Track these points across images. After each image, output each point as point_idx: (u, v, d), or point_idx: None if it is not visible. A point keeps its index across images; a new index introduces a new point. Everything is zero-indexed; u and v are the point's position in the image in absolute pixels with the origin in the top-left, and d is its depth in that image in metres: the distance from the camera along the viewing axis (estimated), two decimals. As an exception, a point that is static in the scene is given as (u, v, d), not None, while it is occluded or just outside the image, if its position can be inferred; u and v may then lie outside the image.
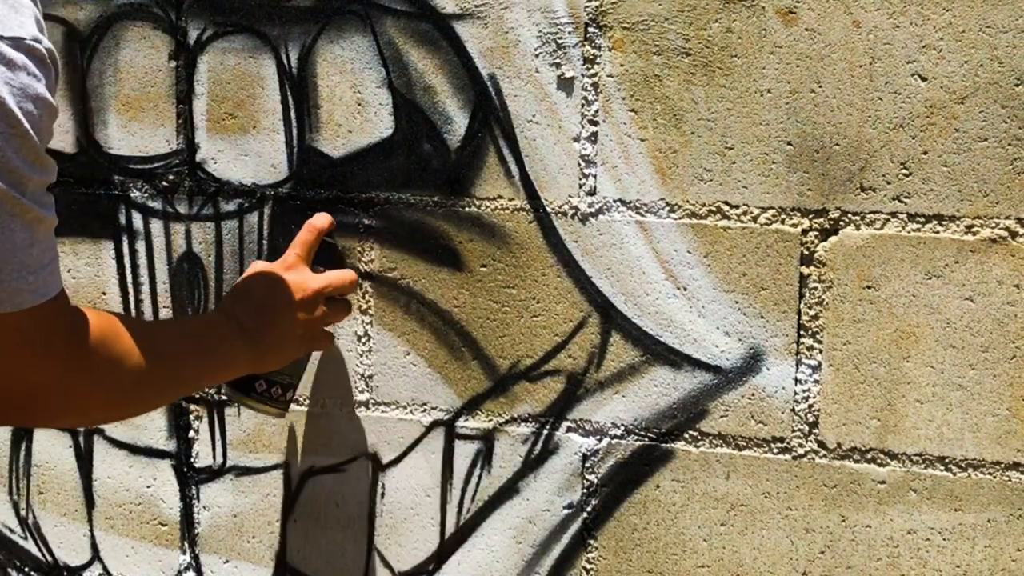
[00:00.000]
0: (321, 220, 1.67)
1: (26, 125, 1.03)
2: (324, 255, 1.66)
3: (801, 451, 1.62)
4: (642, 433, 1.68)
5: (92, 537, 1.95)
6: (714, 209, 1.62)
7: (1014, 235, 1.52)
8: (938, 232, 1.55)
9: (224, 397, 1.86)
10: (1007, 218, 1.52)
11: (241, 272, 1.82)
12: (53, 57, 1.08)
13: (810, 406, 1.61)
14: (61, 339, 1.18)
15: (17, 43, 1.03)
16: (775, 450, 1.63)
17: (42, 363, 1.16)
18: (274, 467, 1.86)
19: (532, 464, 1.73)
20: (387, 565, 1.81)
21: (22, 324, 1.11)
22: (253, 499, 1.87)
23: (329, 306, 1.63)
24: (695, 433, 1.66)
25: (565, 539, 1.73)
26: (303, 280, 1.60)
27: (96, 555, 1.96)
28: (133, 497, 1.93)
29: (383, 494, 1.80)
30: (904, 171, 1.55)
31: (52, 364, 1.17)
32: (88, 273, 1.89)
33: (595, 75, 1.65)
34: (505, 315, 1.72)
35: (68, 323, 1.20)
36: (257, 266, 1.64)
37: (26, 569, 2.00)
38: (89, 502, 1.95)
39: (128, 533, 1.94)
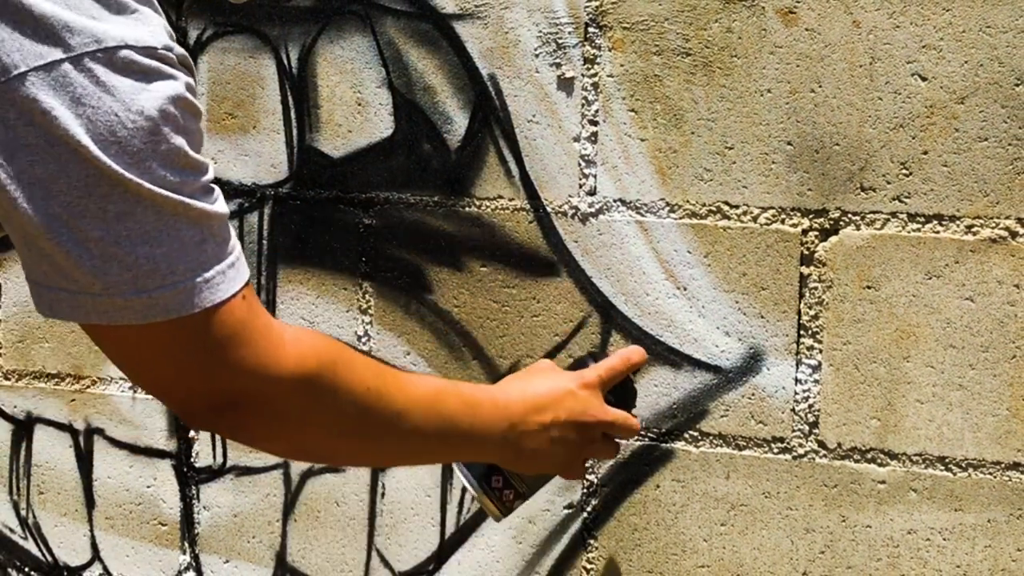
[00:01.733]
0: (637, 356, 1.54)
1: (167, 131, 1.02)
2: (621, 388, 1.53)
3: (801, 451, 1.62)
4: (642, 433, 1.68)
5: (92, 537, 1.96)
6: (714, 209, 1.62)
7: (1014, 235, 1.52)
8: (938, 232, 1.55)
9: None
10: (1007, 218, 1.52)
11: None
12: (187, 61, 1.08)
13: (810, 406, 1.61)
14: (254, 334, 1.11)
15: (151, 52, 1.03)
16: (775, 450, 1.63)
17: (237, 360, 1.10)
18: (274, 467, 1.86)
19: (532, 464, 1.73)
20: (387, 565, 1.81)
21: (214, 322, 1.07)
22: (253, 499, 1.87)
23: (603, 441, 1.51)
24: (695, 433, 1.66)
25: (565, 539, 1.73)
26: (594, 405, 1.48)
27: (96, 555, 1.96)
28: (133, 497, 1.93)
29: (383, 494, 1.80)
30: (904, 171, 1.55)
31: (248, 361, 1.10)
32: (88, 273, 1.89)
33: (595, 75, 1.65)
34: (505, 315, 1.72)
35: (261, 320, 1.12)
36: (550, 366, 1.52)
37: (26, 569, 2.00)
38: (89, 502, 1.95)
39: (128, 533, 1.94)
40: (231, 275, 1.08)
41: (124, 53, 1.01)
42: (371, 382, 1.20)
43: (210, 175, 1.08)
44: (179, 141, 1.04)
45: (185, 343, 1.07)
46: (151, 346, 1.07)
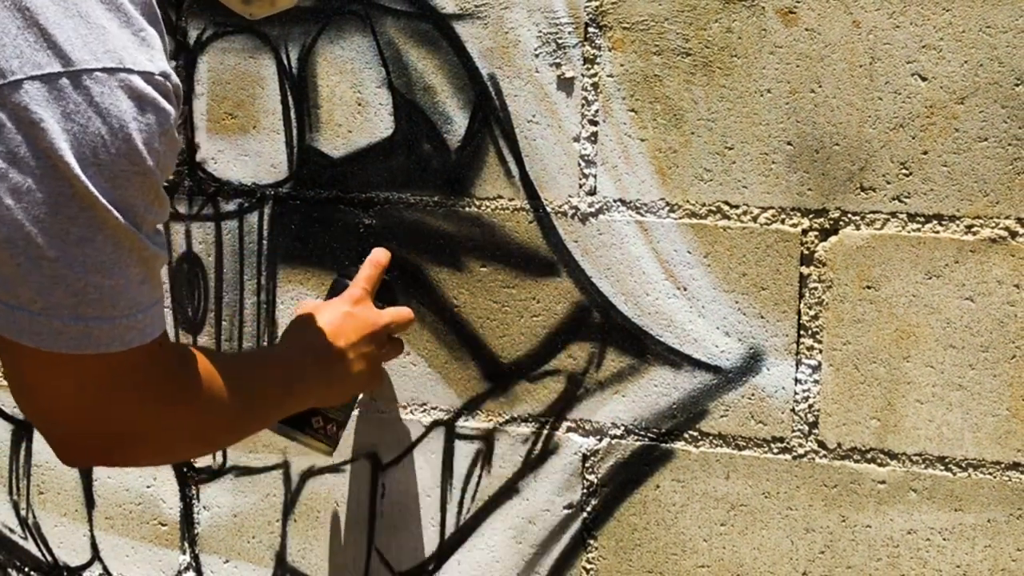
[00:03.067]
0: (383, 256, 1.68)
1: (150, 163, 1.03)
2: (382, 292, 1.67)
3: (801, 451, 1.62)
4: (642, 433, 1.68)
5: (92, 537, 1.95)
6: (714, 209, 1.62)
7: (1014, 235, 1.52)
8: (938, 232, 1.55)
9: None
10: (1007, 218, 1.52)
11: (241, 272, 1.82)
12: (179, 92, 1.09)
13: (810, 406, 1.61)
14: (161, 380, 1.14)
15: (148, 78, 1.03)
16: (775, 450, 1.63)
17: (150, 405, 1.13)
18: (274, 467, 1.86)
19: (532, 464, 1.73)
20: (387, 565, 1.81)
21: (130, 363, 1.08)
22: (253, 499, 1.87)
23: (390, 342, 1.65)
24: (695, 433, 1.66)
25: (565, 539, 1.73)
26: (371, 315, 1.61)
27: (96, 555, 1.96)
28: (133, 497, 1.93)
29: (383, 494, 1.80)
30: (904, 171, 1.55)
31: (151, 406, 1.14)
32: (88, 273, 1.89)
33: (595, 75, 1.65)
34: (505, 315, 1.72)
35: (175, 362, 1.17)
36: (311, 304, 1.63)
37: (26, 569, 2.00)
38: (89, 502, 1.95)
39: (128, 533, 1.94)
40: (157, 319, 1.10)
41: (123, 76, 1.00)
42: (230, 382, 1.26)
43: (165, 216, 1.10)
44: (156, 175, 1.04)
45: (100, 377, 1.08)
46: (68, 376, 1.07)
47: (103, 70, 1.00)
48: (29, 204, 0.99)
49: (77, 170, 0.99)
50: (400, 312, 1.65)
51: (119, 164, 1.01)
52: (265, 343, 1.83)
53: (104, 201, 1.01)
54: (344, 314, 1.57)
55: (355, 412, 1.75)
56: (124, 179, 1.01)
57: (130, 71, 1.01)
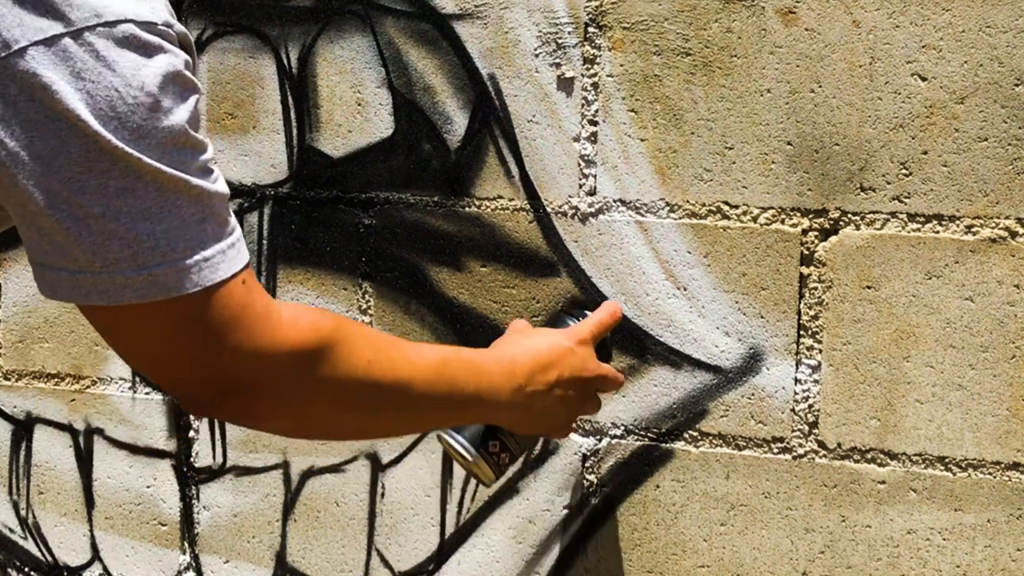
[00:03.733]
0: (620, 308, 1.59)
1: (167, 104, 1.02)
2: (600, 347, 1.55)
3: (801, 451, 1.62)
4: (642, 433, 1.68)
5: (92, 537, 1.96)
6: (714, 209, 1.62)
7: (1014, 235, 1.52)
8: (938, 232, 1.55)
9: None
10: (1007, 218, 1.52)
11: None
12: (186, 39, 1.07)
13: (810, 406, 1.61)
14: (254, 318, 1.08)
15: (150, 27, 1.02)
16: (775, 450, 1.63)
17: (239, 344, 1.08)
18: (274, 467, 1.86)
19: (532, 464, 1.73)
20: (387, 565, 1.82)
21: (214, 304, 1.05)
22: (253, 499, 1.87)
23: (593, 398, 1.53)
24: (695, 433, 1.66)
25: (565, 539, 1.73)
26: (590, 360, 1.50)
27: (96, 555, 1.96)
28: (133, 497, 1.93)
29: (383, 494, 1.80)
30: (904, 171, 1.55)
31: (248, 345, 1.08)
32: (88, 273, 1.89)
33: (595, 75, 1.65)
34: (505, 315, 1.72)
35: (261, 303, 1.10)
36: (528, 326, 1.54)
37: (26, 569, 2.00)
38: (89, 502, 1.95)
39: (128, 533, 1.94)
40: (231, 255, 1.07)
41: (125, 27, 1.00)
42: (372, 355, 1.19)
43: (209, 154, 1.07)
44: (179, 118, 1.03)
45: (185, 324, 1.05)
46: (150, 328, 1.05)
47: (104, 24, 0.99)
48: (61, 167, 0.99)
49: (97, 126, 0.99)
50: (614, 371, 1.53)
51: (138, 113, 1.00)
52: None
53: (133, 151, 1.00)
54: (565, 348, 1.46)
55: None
56: (147, 128, 1.01)
57: (132, 22, 1.01)
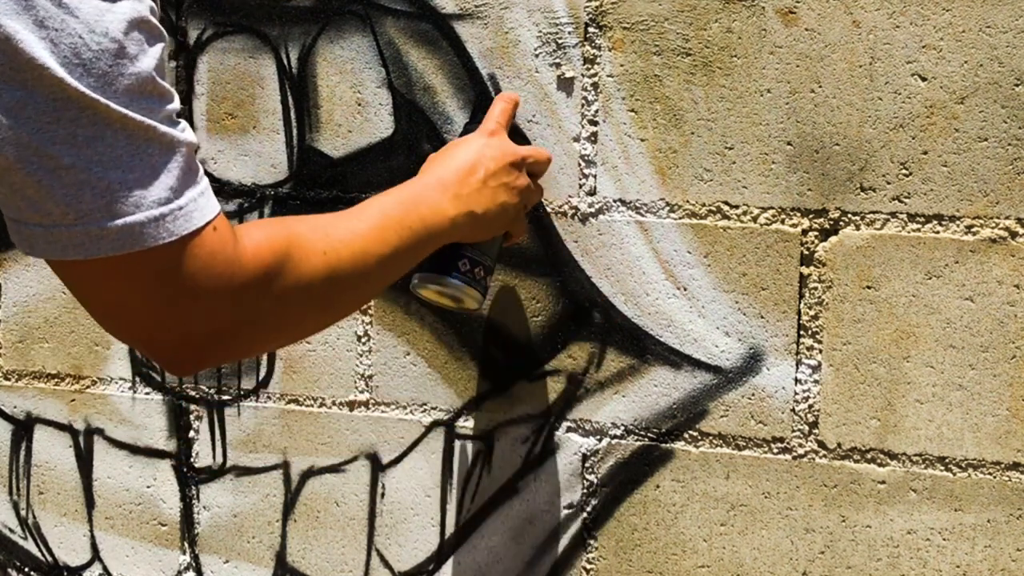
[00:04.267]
0: (512, 94, 1.61)
1: (132, 51, 1.00)
2: (514, 134, 1.57)
3: (801, 451, 1.62)
4: (642, 433, 1.68)
5: (92, 537, 1.95)
6: (714, 209, 1.62)
7: (1014, 235, 1.52)
8: (938, 232, 1.55)
9: (225, 397, 1.86)
10: (1007, 218, 1.52)
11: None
12: None
13: (810, 406, 1.61)
14: (229, 265, 1.08)
15: None
16: (775, 450, 1.63)
17: (216, 295, 1.07)
18: (274, 467, 1.86)
19: (532, 464, 1.73)
20: (387, 565, 1.81)
21: (182, 253, 1.04)
22: (253, 499, 1.87)
23: (529, 185, 1.54)
24: (695, 433, 1.66)
25: (565, 539, 1.73)
26: (507, 144, 1.52)
27: (96, 555, 1.96)
28: (133, 497, 1.93)
29: (383, 494, 1.80)
30: (904, 171, 1.55)
31: (226, 296, 1.08)
32: (88, 273, 1.89)
33: (595, 75, 1.65)
34: (505, 315, 1.72)
35: (231, 248, 1.09)
36: (447, 145, 1.54)
37: (26, 569, 2.00)
38: (89, 502, 1.95)
39: (128, 533, 1.94)
40: (203, 204, 1.06)
41: None
42: (325, 246, 1.19)
43: (175, 105, 1.05)
44: (145, 65, 1.02)
45: (161, 275, 1.04)
46: (126, 281, 1.04)
47: None
48: (29, 118, 0.98)
49: (63, 73, 0.97)
50: (538, 148, 1.56)
51: (103, 60, 0.99)
52: (265, 343, 1.83)
53: (100, 97, 0.98)
54: (481, 144, 1.49)
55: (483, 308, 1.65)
56: (114, 73, 0.99)
57: None
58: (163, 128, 1.02)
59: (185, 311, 1.07)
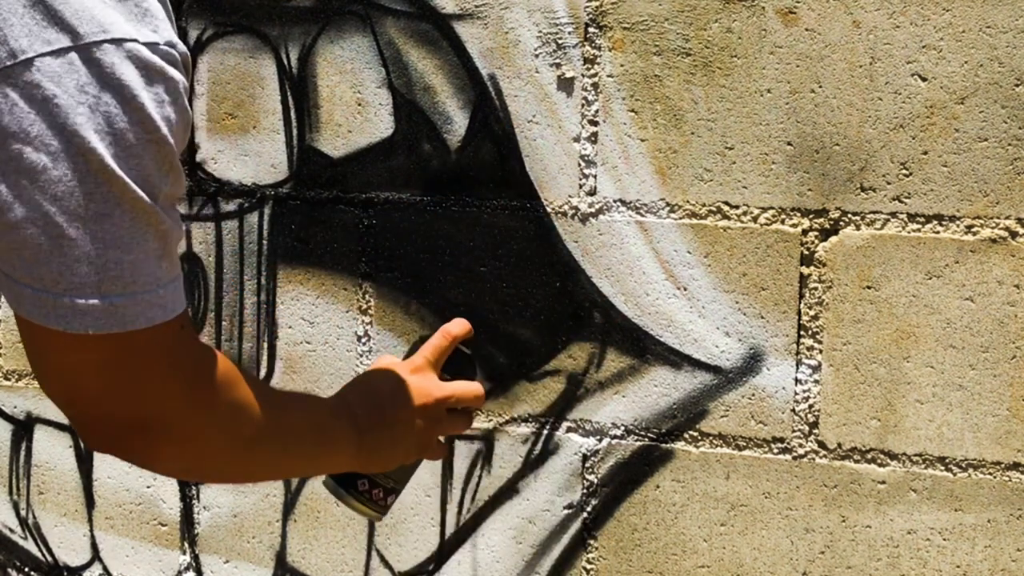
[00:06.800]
0: (458, 328, 1.55)
1: (164, 131, 1.02)
2: (456, 363, 1.54)
3: (801, 451, 1.63)
4: (642, 433, 1.68)
5: (92, 537, 1.96)
6: (714, 209, 1.62)
7: (1014, 235, 1.52)
8: (938, 232, 1.55)
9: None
10: (1007, 218, 1.52)
11: (241, 272, 1.82)
12: (187, 61, 1.08)
13: (810, 406, 1.61)
14: (186, 362, 1.12)
15: (154, 48, 1.03)
16: (775, 450, 1.63)
17: (164, 386, 1.11)
18: (274, 467, 1.86)
19: (532, 464, 1.74)
20: (387, 565, 1.82)
21: (153, 341, 1.07)
22: (253, 499, 1.87)
23: (449, 417, 1.53)
24: (695, 433, 1.66)
25: (565, 539, 1.73)
26: (427, 386, 1.50)
27: (96, 555, 1.96)
28: (133, 497, 1.93)
29: (383, 494, 1.81)
30: (904, 171, 1.55)
31: (175, 388, 1.12)
32: (88, 273, 1.89)
33: (595, 75, 1.65)
34: (505, 315, 1.72)
35: (193, 347, 1.14)
36: (383, 361, 1.54)
37: (26, 569, 2.00)
38: (89, 502, 1.95)
39: (128, 533, 1.94)
40: (177, 295, 1.09)
41: (130, 46, 1.01)
42: (265, 394, 1.23)
43: (182, 189, 1.09)
44: (170, 144, 1.04)
45: (126, 358, 1.07)
46: (92, 357, 1.06)
47: (112, 41, 1.00)
48: (46, 183, 1.00)
49: (93, 142, 0.99)
50: (465, 386, 1.53)
51: (133, 133, 1.01)
52: (265, 343, 1.83)
53: (120, 173, 1.00)
54: (397, 381, 1.48)
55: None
56: (139, 148, 1.01)
57: (135, 41, 1.01)
58: (163, 215, 1.05)
59: (137, 393, 1.10)
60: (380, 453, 1.47)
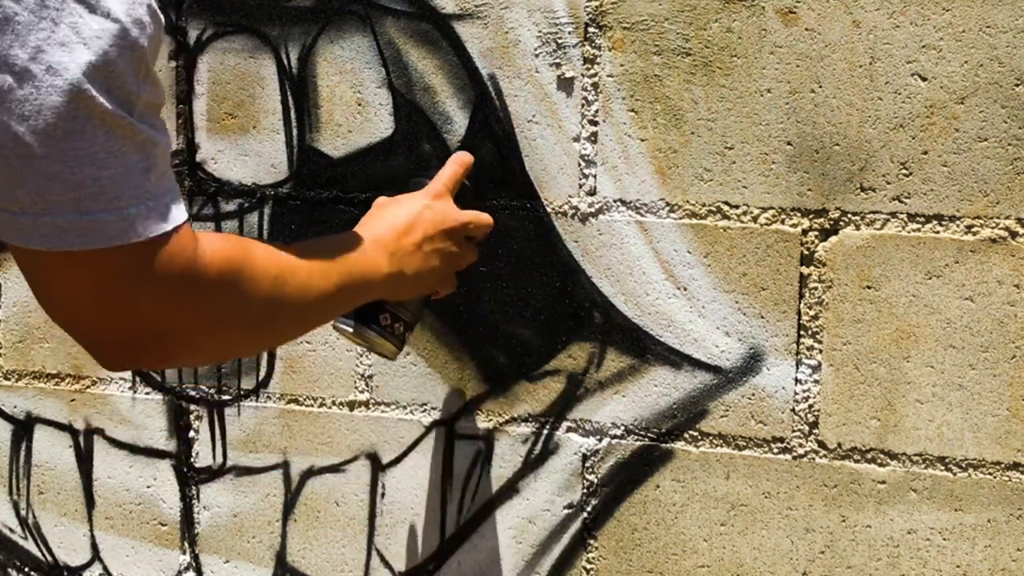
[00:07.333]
0: (466, 157, 1.63)
1: (135, 35, 0.99)
2: (461, 196, 1.60)
3: (801, 451, 1.62)
4: (642, 433, 1.68)
5: (92, 537, 1.95)
6: (714, 209, 1.62)
7: (1014, 235, 1.52)
8: (938, 232, 1.55)
9: (225, 398, 1.86)
10: (1007, 218, 1.52)
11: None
12: None
13: (810, 406, 1.61)
14: (186, 271, 1.08)
15: None
16: (775, 450, 1.63)
17: (165, 299, 1.07)
18: (274, 467, 1.86)
19: (532, 464, 1.73)
20: (387, 565, 1.82)
21: (149, 255, 1.04)
22: (253, 499, 1.87)
23: (466, 245, 1.58)
24: (695, 433, 1.66)
25: (565, 539, 1.73)
26: (449, 209, 1.55)
27: (96, 555, 1.96)
28: (133, 497, 1.93)
29: (383, 494, 1.80)
30: (904, 171, 1.55)
31: (176, 299, 1.08)
32: (88, 273, 1.89)
33: (595, 75, 1.65)
34: (505, 315, 1.72)
35: (193, 253, 1.10)
36: (391, 198, 1.57)
37: (26, 569, 2.00)
38: (89, 502, 1.95)
39: (128, 533, 1.94)
40: (173, 209, 1.06)
41: None
42: (276, 271, 1.21)
43: (160, 96, 1.06)
44: (143, 48, 1.01)
45: (121, 273, 1.04)
46: (85, 275, 1.04)
47: None
48: (12, 103, 0.97)
49: (58, 57, 0.96)
50: (480, 215, 1.59)
51: (103, 40, 0.98)
52: (265, 343, 1.83)
53: (88, 86, 0.98)
54: (423, 206, 1.52)
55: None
56: (110, 56, 0.98)
57: None
58: (141, 127, 1.02)
59: (135, 309, 1.07)
60: (411, 279, 1.47)
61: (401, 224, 1.49)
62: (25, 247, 1.03)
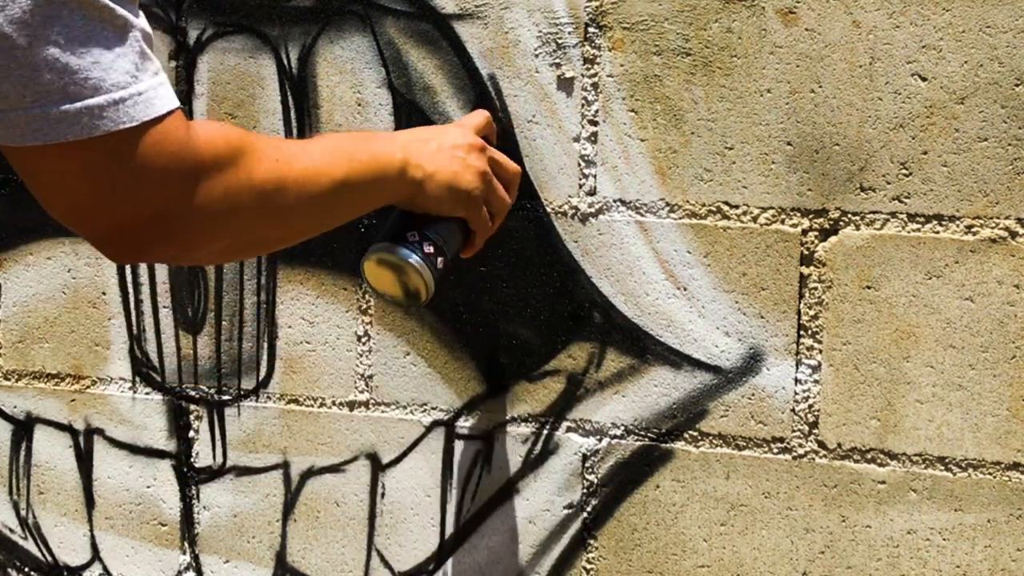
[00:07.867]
0: (487, 111, 1.62)
1: None
2: (499, 139, 1.60)
3: (801, 451, 1.63)
4: (642, 433, 1.68)
5: (92, 537, 1.96)
6: (714, 209, 1.62)
7: (1014, 235, 1.52)
8: (938, 232, 1.55)
9: (225, 398, 1.86)
10: (1007, 218, 1.52)
11: (241, 272, 1.82)
12: None
13: (810, 406, 1.61)
14: (184, 156, 1.06)
15: None
16: (775, 450, 1.63)
17: (165, 186, 1.05)
18: (274, 467, 1.86)
19: (532, 464, 1.74)
20: (387, 565, 1.82)
21: (144, 140, 1.02)
22: (253, 499, 1.87)
23: (495, 185, 1.51)
24: (695, 433, 1.66)
25: (565, 539, 1.73)
26: (473, 136, 1.51)
27: (96, 555, 1.96)
28: (133, 497, 1.93)
29: (383, 494, 1.81)
30: (904, 171, 1.55)
31: (177, 185, 1.06)
32: (88, 273, 1.89)
33: (595, 75, 1.65)
34: (505, 315, 1.72)
35: (191, 139, 1.08)
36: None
37: (26, 569, 2.00)
38: (89, 502, 1.95)
39: (128, 533, 1.94)
40: (163, 93, 1.05)
41: None
42: (277, 155, 1.19)
43: None
44: None
45: (120, 160, 1.03)
46: (81, 165, 1.02)
47: None
48: None
49: None
50: (506, 157, 1.55)
51: None
52: (265, 343, 1.83)
53: None
54: (450, 126, 1.51)
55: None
56: None
57: None
58: (118, 9, 1.00)
59: (135, 194, 1.06)
60: (428, 171, 1.41)
61: (423, 131, 1.46)
62: (21, 146, 1.01)
